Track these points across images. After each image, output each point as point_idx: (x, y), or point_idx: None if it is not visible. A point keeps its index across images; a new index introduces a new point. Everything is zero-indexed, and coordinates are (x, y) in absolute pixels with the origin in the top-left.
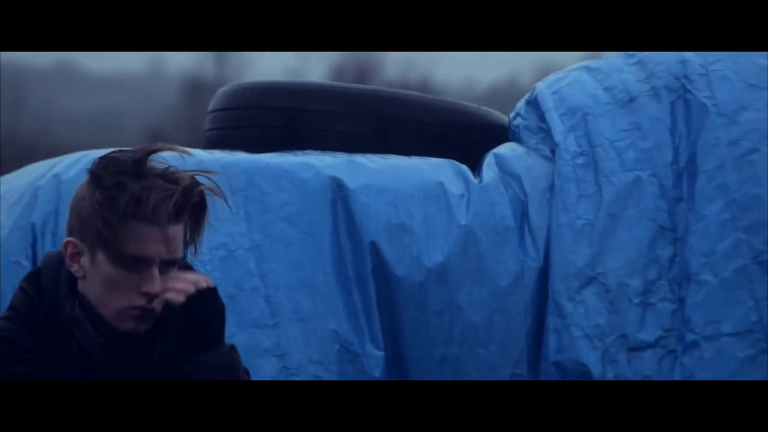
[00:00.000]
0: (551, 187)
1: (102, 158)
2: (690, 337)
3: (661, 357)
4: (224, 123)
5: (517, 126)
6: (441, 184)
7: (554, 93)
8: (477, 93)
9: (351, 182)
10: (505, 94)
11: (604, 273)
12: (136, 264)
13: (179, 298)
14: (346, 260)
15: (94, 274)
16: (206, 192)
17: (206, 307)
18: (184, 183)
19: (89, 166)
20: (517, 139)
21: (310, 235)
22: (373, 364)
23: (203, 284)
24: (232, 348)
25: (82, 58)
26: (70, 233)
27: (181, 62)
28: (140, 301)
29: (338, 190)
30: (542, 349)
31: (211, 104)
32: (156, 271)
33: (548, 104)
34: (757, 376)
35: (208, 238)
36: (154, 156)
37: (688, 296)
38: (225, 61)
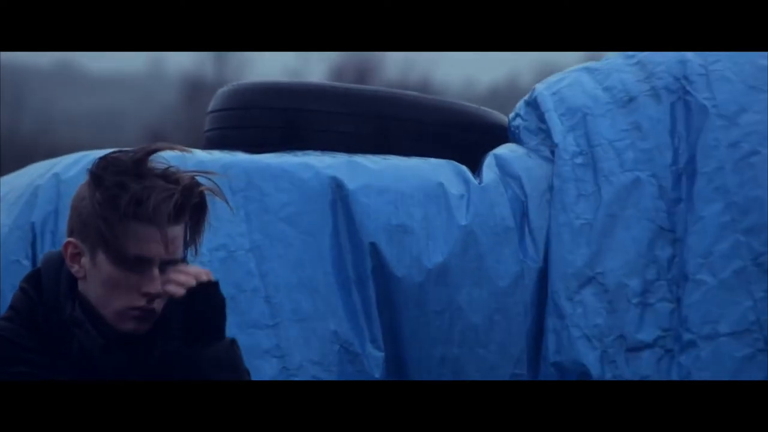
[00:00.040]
0: (551, 188)
1: (102, 158)
2: (687, 336)
3: (660, 357)
4: (224, 123)
5: (517, 127)
6: (441, 184)
7: (554, 94)
8: (477, 93)
9: (351, 182)
10: (505, 94)
11: (602, 273)
12: (136, 264)
13: (180, 291)
14: (346, 261)
15: (94, 274)
16: (206, 192)
17: (207, 300)
18: (184, 183)
19: (89, 167)
20: (517, 140)
21: (310, 236)
22: (374, 365)
23: (204, 278)
24: (233, 342)
25: (82, 58)
26: (70, 233)
27: (181, 62)
28: (141, 302)
29: (338, 190)
30: (542, 349)
31: (211, 104)
32: (156, 272)
33: (548, 105)
34: (755, 375)
35: (208, 238)
36: (154, 156)
37: (686, 296)
38: (225, 61)
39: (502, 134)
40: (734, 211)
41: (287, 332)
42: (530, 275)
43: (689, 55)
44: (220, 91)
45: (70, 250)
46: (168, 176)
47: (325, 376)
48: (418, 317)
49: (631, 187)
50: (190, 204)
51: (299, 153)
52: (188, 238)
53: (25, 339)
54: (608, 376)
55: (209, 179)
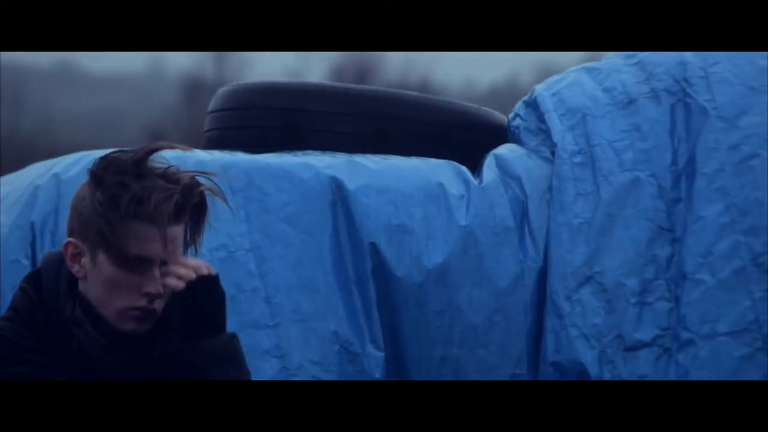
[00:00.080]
0: (551, 188)
1: (102, 158)
2: (685, 335)
3: (658, 356)
4: (224, 123)
5: (517, 127)
6: (441, 184)
7: (554, 94)
8: (477, 93)
9: (351, 183)
10: (505, 94)
11: (601, 272)
12: (137, 264)
13: (179, 285)
14: (346, 261)
15: (94, 274)
16: (206, 192)
17: (207, 294)
18: (184, 183)
19: (90, 167)
20: (517, 141)
21: (310, 236)
22: (374, 365)
23: (205, 271)
24: (233, 336)
25: (82, 58)
26: (70, 233)
27: (181, 62)
28: (141, 302)
29: (338, 190)
30: (540, 349)
31: (211, 104)
32: (157, 272)
33: (547, 105)
34: (753, 375)
35: (208, 238)
36: (154, 156)
37: (684, 295)
38: (225, 61)
39: (502, 134)
40: (734, 212)
41: (287, 332)
42: (530, 275)
43: (689, 57)
44: (220, 91)
45: (70, 250)
46: (168, 176)
47: (325, 376)
48: (418, 317)
49: (630, 186)
50: (190, 204)
51: (299, 153)
52: (188, 237)
53: (25, 339)
54: (606, 376)
55: (209, 179)
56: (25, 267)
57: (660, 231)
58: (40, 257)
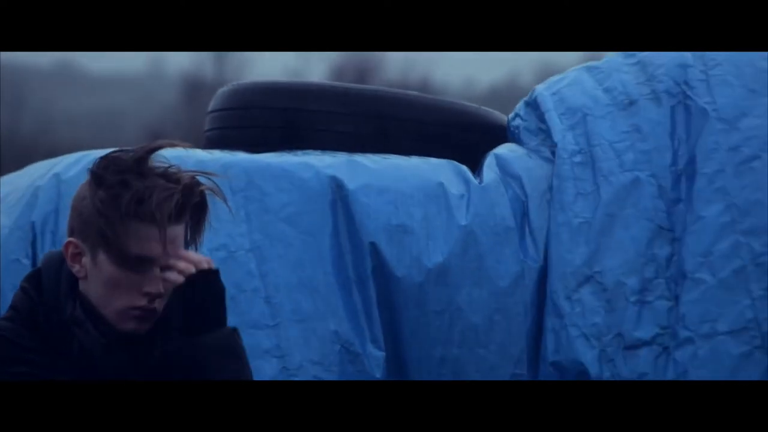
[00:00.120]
0: (551, 188)
1: (103, 158)
2: (684, 333)
3: (657, 354)
4: (224, 123)
5: (517, 127)
6: (441, 184)
7: (554, 94)
8: (477, 93)
9: (351, 182)
10: (505, 94)
11: (601, 272)
12: (137, 264)
13: (179, 279)
14: (346, 261)
15: (95, 274)
16: (207, 192)
17: (207, 288)
18: (185, 182)
19: (90, 166)
20: (517, 141)
21: (310, 236)
22: (374, 365)
23: (205, 265)
24: (234, 330)
25: (82, 58)
26: (71, 233)
27: (181, 62)
28: (142, 301)
29: (338, 190)
30: (540, 349)
31: (211, 104)
32: (158, 271)
33: (548, 104)
34: (752, 373)
35: (208, 238)
36: (155, 155)
37: (684, 294)
38: (225, 61)
39: (502, 134)
40: (734, 213)
41: (287, 332)
42: (530, 275)
43: (690, 59)
44: (220, 91)
45: (70, 249)
46: (169, 176)
47: (325, 376)
48: (418, 317)
49: (631, 186)
50: (191, 203)
51: (299, 153)
52: (189, 237)
53: (25, 339)
54: (606, 374)
55: (210, 179)
56: (26, 267)
57: (660, 231)
58: (40, 257)
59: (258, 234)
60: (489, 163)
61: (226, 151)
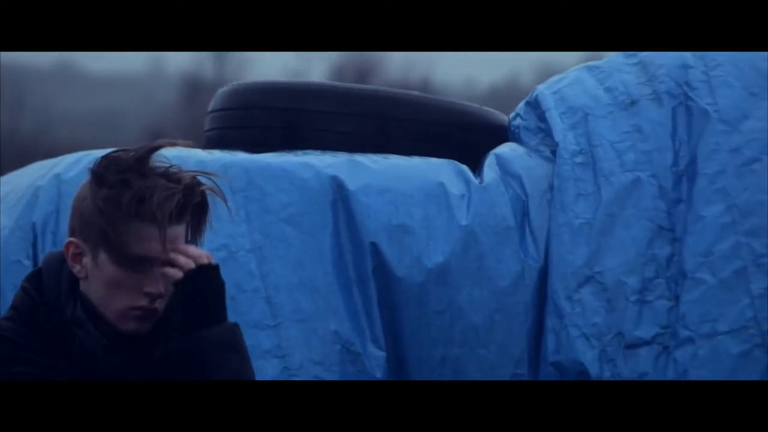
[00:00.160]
0: (552, 188)
1: (104, 158)
2: (684, 333)
3: (658, 354)
4: (224, 123)
5: (517, 127)
6: (441, 184)
7: (555, 93)
8: (477, 93)
9: (351, 182)
10: (505, 94)
11: (601, 272)
12: (138, 264)
13: (178, 275)
14: (346, 261)
15: (96, 274)
16: (208, 192)
17: (207, 283)
18: (185, 182)
19: (91, 166)
20: (517, 140)
21: (311, 236)
22: (375, 365)
23: (205, 260)
24: (234, 325)
25: (82, 58)
26: (71, 233)
27: (181, 62)
28: (142, 301)
29: (339, 190)
30: (541, 349)
31: (211, 104)
32: (158, 271)
33: (549, 104)
34: (752, 371)
35: (208, 239)
36: (155, 154)
37: (684, 293)
38: (225, 61)
39: (502, 134)
40: (735, 213)
41: (288, 332)
42: (531, 275)
43: (691, 59)
44: (220, 91)
45: (71, 250)
46: (170, 175)
47: (326, 376)
48: (418, 317)
49: (631, 187)
50: (191, 203)
51: (300, 153)
52: (189, 237)
53: (26, 339)
54: (607, 374)
55: (210, 179)
56: (27, 267)
57: (660, 231)
58: (41, 257)
59: (258, 234)
60: (489, 163)
61: (226, 151)
